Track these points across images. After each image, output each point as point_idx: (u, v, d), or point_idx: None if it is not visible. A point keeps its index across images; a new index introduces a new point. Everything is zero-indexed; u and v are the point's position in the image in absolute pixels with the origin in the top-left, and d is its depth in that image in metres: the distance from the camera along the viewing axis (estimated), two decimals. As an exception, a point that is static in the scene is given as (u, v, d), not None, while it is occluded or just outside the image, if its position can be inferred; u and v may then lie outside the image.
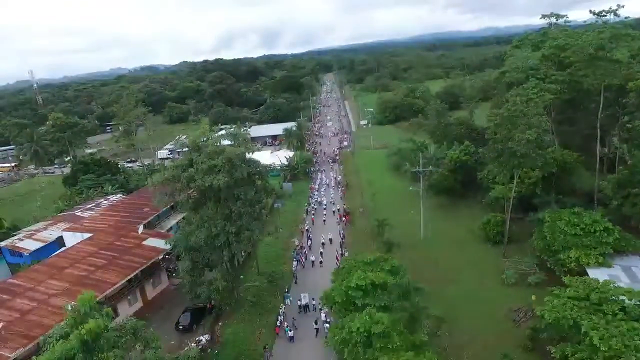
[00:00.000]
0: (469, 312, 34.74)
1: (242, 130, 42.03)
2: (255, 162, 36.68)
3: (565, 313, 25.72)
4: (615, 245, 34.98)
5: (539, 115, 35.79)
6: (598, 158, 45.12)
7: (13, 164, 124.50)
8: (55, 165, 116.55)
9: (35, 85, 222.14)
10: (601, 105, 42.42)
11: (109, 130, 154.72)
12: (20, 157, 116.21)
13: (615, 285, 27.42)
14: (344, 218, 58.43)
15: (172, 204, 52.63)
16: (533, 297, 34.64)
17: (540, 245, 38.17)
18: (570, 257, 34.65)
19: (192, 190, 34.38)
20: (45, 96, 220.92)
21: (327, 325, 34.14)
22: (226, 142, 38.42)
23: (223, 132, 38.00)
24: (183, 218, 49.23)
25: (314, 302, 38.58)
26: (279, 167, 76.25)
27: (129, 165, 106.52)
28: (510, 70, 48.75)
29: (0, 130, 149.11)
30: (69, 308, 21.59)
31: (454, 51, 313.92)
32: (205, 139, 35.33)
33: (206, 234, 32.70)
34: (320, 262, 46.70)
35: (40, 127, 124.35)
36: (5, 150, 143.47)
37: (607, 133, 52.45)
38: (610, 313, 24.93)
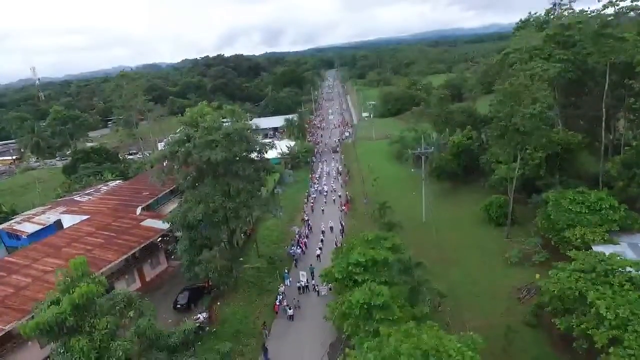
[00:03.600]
0: (471, 291, 34.16)
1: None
2: (254, 140, 36.07)
3: (570, 284, 25.12)
4: (622, 223, 34.32)
5: (543, 89, 35.02)
6: (603, 138, 44.25)
7: (14, 157, 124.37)
8: (57, 158, 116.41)
9: (37, 81, 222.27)
10: (607, 85, 41.52)
11: (111, 125, 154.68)
12: (21, 149, 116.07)
13: (622, 258, 26.75)
14: (343, 207, 57.73)
15: (172, 188, 52.43)
16: (537, 276, 33.93)
17: (544, 225, 37.45)
18: (575, 235, 33.96)
19: (189, 166, 33.86)
20: (47, 93, 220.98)
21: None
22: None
23: (222, 111, 37.26)
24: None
25: (313, 283, 38.01)
26: (279, 155, 75.62)
27: (130, 157, 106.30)
28: (513, 51, 47.91)
29: (2, 124, 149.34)
30: (59, 273, 21.03)
31: (456, 47, 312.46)
32: (203, 115, 34.73)
33: (204, 210, 32.17)
34: (320, 249, 45.33)
35: (41, 122, 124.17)
36: (7, 144, 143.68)
37: (613, 117, 51.61)
38: (617, 284, 24.28)
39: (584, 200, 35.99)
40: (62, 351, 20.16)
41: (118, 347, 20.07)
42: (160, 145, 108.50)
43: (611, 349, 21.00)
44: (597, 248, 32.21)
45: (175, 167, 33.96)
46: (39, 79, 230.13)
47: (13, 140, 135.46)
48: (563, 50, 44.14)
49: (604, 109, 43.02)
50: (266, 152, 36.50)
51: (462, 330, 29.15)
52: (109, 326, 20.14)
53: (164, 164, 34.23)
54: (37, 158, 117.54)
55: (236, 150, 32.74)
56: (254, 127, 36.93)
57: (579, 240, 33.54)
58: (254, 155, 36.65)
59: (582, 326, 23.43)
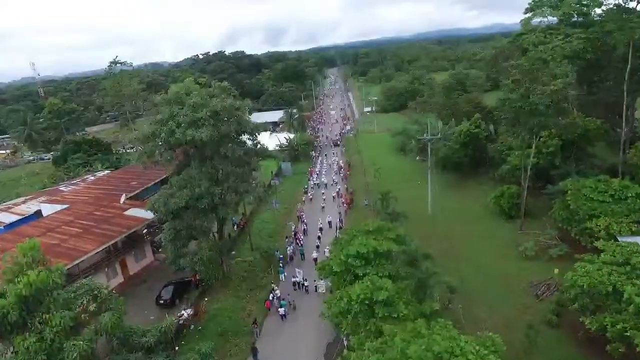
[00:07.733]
0: (484, 287, 30.97)
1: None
2: (246, 120, 32.94)
3: (602, 278, 21.93)
4: (651, 213, 31.07)
5: (564, 64, 31.72)
6: (624, 124, 41.02)
7: (8, 152, 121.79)
8: (52, 153, 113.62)
9: (37, 75, 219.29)
10: (629, 66, 38.18)
11: (109, 119, 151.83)
12: (15, 142, 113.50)
13: (660, 249, 23.55)
14: (342, 200, 54.46)
15: (162, 178, 49.22)
16: (556, 271, 30.77)
17: (562, 216, 34.19)
18: (599, 226, 30.73)
19: (172, 148, 30.74)
20: (48, 89, 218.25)
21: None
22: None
23: (210, 89, 34.10)
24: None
25: (306, 283, 34.65)
26: (277, 147, 72.41)
27: (125, 151, 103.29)
28: (526, 32, 44.60)
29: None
30: (7, 259, 17.99)
31: (459, 46, 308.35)
32: (189, 93, 31.62)
33: (188, 195, 29.03)
34: (317, 247, 41.01)
35: (38, 115, 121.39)
36: (3, 138, 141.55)
37: (630, 106, 48.39)
38: (657, 278, 21.12)
39: (607, 188, 32.76)
40: (9, 351, 17.20)
41: (73, 348, 17.00)
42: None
43: (657, 353, 17.83)
44: (623, 240, 29.05)
45: (158, 149, 30.76)
46: (38, 74, 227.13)
47: (8, 136, 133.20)
48: (581, 29, 40.91)
49: (625, 92, 39.78)
50: (259, 134, 33.39)
51: (476, 330, 26.08)
52: (63, 322, 17.08)
53: (146, 145, 31.05)
54: (32, 152, 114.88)
55: (224, 129, 29.61)
56: (247, 107, 33.76)
57: (602, 232, 30.31)
58: (245, 137, 33.60)
59: (618, 326, 20.24)
